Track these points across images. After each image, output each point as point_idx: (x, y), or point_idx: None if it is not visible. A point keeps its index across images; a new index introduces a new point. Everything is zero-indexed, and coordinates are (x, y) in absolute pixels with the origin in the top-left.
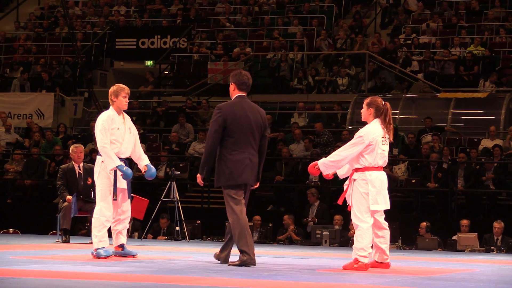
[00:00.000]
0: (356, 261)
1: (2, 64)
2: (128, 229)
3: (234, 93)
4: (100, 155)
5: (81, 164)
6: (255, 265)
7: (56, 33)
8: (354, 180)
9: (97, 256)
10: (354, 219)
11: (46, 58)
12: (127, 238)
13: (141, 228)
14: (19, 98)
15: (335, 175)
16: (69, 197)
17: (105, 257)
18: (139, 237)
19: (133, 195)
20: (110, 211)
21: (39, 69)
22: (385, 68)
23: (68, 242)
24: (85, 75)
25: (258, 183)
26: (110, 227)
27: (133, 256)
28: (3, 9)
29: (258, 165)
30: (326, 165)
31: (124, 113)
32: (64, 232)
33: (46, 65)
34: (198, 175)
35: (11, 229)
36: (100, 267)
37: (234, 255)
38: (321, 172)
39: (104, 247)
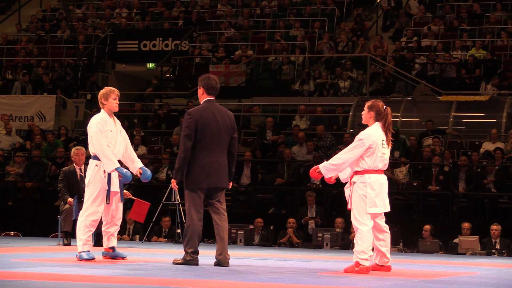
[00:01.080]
0: (357, 264)
1: (4, 66)
2: (130, 231)
3: (203, 97)
4: (94, 159)
5: (83, 167)
6: (198, 265)
7: (58, 36)
8: (354, 182)
9: (80, 259)
10: (354, 222)
11: (47, 61)
12: (129, 240)
13: (142, 231)
14: (21, 101)
15: (337, 179)
16: (70, 199)
17: (87, 260)
18: (141, 239)
19: (134, 198)
20: (98, 216)
21: (40, 72)
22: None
23: (69, 244)
24: (88, 77)
25: (231, 183)
26: (101, 229)
27: (123, 258)
28: (5, 11)
29: (229, 166)
30: (328, 168)
31: (114, 116)
32: (65, 235)
33: (48, 67)
34: (173, 180)
35: (12, 232)
36: (101, 269)
37: (234, 258)
38: (323, 176)
39: (88, 251)
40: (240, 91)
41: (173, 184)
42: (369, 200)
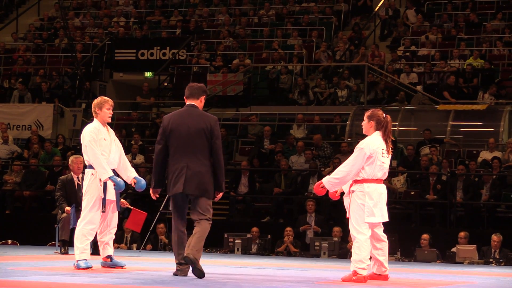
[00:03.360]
0: (355, 273)
1: (2, 75)
2: (127, 239)
3: (186, 102)
4: (90, 168)
5: (80, 175)
6: (186, 275)
7: (55, 44)
8: (353, 191)
9: (78, 267)
10: (352, 231)
11: (45, 69)
12: (126, 249)
13: (140, 239)
14: (19, 109)
15: (342, 193)
16: (68, 208)
17: (85, 269)
18: (138, 248)
19: (131, 207)
20: (95, 224)
21: (38, 80)
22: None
23: (66, 253)
24: (83, 85)
25: (220, 193)
26: (96, 239)
27: (121, 267)
28: (3, 20)
29: (216, 175)
30: (332, 182)
31: (108, 126)
32: (63, 243)
33: (46, 76)
34: (151, 188)
35: (9, 240)
36: (98, 278)
37: (232, 266)
38: (327, 191)
39: (85, 259)
40: (238, 100)
41: (151, 191)
42: (367, 209)
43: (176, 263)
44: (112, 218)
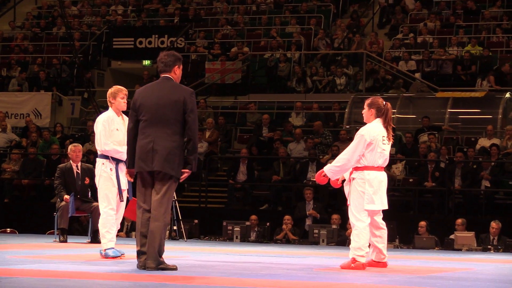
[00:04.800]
0: (354, 260)
1: None
2: (128, 227)
3: (161, 76)
4: (100, 157)
5: (79, 164)
6: (141, 268)
7: (53, 33)
8: (353, 179)
9: (106, 256)
10: (351, 218)
11: (43, 58)
12: (125, 237)
13: None
14: (17, 98)
15: (342, 182)
16: (66, 196)
17: (114, 257)
18: None
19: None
20: (116, 212)
21: (36, 69)
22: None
23: (65, 241)
24: (84, 75)
25: (187, 171)
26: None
27: (120, 255)
28: (0, 8)
29: (186, 152)
30: (333, 171)
31: (123, 114)
32: (62, 232)
33: (44, 64)
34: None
35: (8, 229)
36: (97, 266)
37: (231, 254)
38: (329, 180)
39: (113, 248)
40: (236, 88)
41: (126, 172)
42: (366, 197)
43: (137, 251)
44: (120, 206)
